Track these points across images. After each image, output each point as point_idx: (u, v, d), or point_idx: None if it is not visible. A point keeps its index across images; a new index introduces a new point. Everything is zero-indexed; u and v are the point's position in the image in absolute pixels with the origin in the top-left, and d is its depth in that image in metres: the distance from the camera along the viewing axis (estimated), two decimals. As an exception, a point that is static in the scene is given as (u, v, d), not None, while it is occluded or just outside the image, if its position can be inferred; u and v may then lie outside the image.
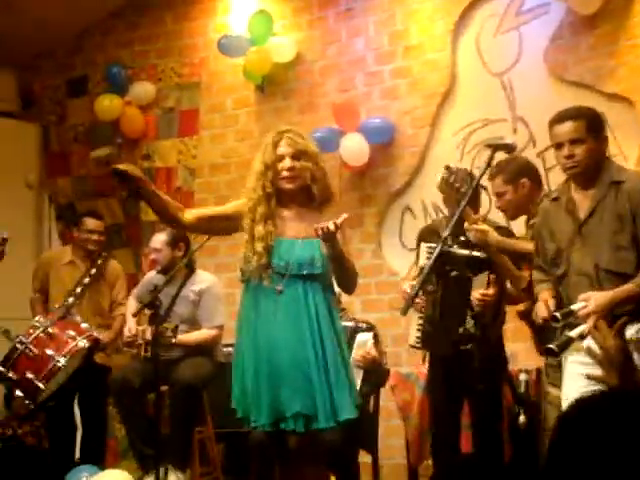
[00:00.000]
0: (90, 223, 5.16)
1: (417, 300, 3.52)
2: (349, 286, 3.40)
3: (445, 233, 3.08)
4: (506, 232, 3.94)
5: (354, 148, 5.56)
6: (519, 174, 3.77)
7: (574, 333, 2.94)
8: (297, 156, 3.35)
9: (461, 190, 3.29)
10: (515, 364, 4.39)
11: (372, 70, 5.79)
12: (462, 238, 3.90)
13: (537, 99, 5.16)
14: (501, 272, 3.69)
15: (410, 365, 4.88)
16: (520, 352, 4.63)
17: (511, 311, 4.06)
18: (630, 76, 4.83)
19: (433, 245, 3.62)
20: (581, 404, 0.88)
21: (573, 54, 5.07)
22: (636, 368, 2.16)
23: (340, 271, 3.28)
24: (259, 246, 3.29)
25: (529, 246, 3.47)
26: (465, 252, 3.47)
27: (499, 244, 3.63)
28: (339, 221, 3.09)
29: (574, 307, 2.97)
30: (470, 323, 3.10)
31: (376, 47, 5.79)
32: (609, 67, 4.92)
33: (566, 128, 3.12)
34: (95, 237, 5.14)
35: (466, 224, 3.57)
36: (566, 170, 3.18)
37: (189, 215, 3.43)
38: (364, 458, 4.54)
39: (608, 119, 4.90)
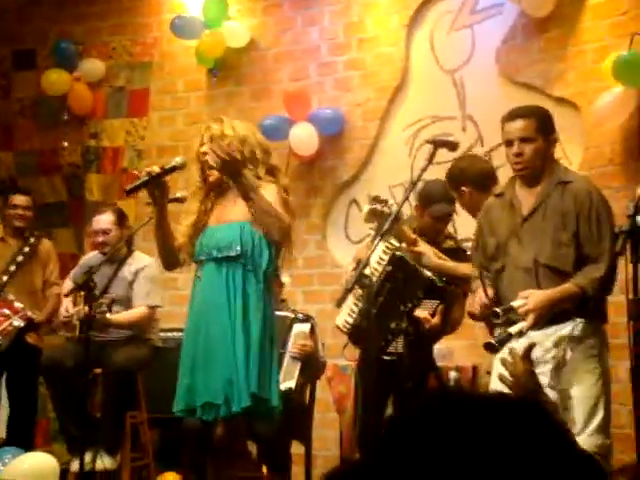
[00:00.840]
0: (14, 198, 5.06)
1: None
2: (268, 229, 3.17)
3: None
4: (454, 253, 3.93)
5: (303, 138, 5.54)
6: (459, 183, 3.76)
7: (513, 330, 2.99)
8: (211, 140, 3.32)
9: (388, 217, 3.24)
10: (451, 361, 4.43)
11: (326, 60, 5.77)
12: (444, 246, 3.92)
13: (487, 98, 5.19)
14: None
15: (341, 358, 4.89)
16: (456, 349, 4.67)
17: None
18: (577, 81, 4.90)
19: (395, 244, 3.61)
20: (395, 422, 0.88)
21: (524, 56, 5.11)
22: (539, 387, 2.22)
23: (253, 209, 3.15)
24: (180, 238, 3.30)
25: (469, 270, 3.48)
26: (428, 274, 3.49)
27: (436, 268, 3.64)
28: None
29: (514, 304, 3.01)
30: (404, 321, 3.11)
31: (331, 37, 5.76)
32: (557, 71, 4.98)
33: (517, 126, 3.15)
34: (20, 212, 5.03)
35: (403, 244, 3.58)
36: (514, 168, 3.21)
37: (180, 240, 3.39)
38: (297, 449, 4.54)
39: (555, 123, 4.97)
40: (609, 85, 4.62)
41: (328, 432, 5.10)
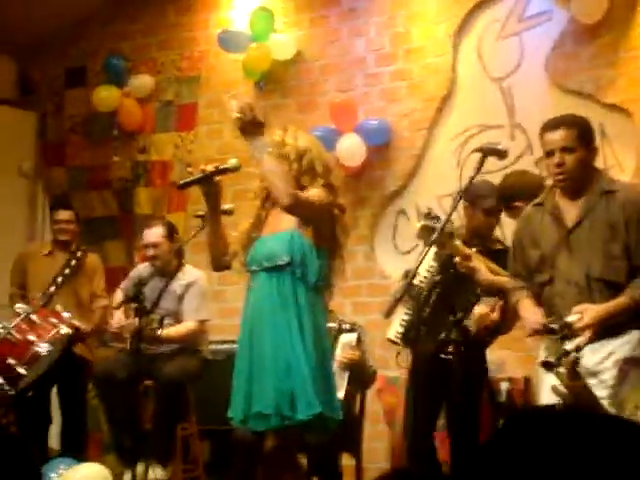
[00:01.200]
0: (57, 214, 5.15)
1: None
2: (277, 193, 3.14)
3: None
4: (504, 255, 3.89)
5: (350, 149, 5.53)
6: (511, 199, 3.70)
7: (570, 346, 2.91)
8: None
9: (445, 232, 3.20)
10: (502, 372, 4.36)
11: (372, 71, 5.76)
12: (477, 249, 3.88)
13: (536, 106, 5.12)
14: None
15: (397, 369, 4.84)
16: (508, 360, 4.60)
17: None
18: (629, 87, 4.81)
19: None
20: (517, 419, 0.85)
21: (574, 63, 5.04)
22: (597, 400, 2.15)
23: (261, 169, 3.24)
24: (234, 246, 3.33)
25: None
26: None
27: (487, 282, 3.58)
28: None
29: (569, 319, 2.94)
30: (454, 331, 3.07)
31: (377, 48, 5.76)
32: (609, 77, 4.90)
33: (558, 136, 3.08)
34: (63, 226, 5.10)
35: (457, 259, 3.53)
36: (555, 179, 3.15)
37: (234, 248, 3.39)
38: (347, 461, 4.51)
39: (606, 130, 4.90)
40: (662, 90, 4.54)
41: (378, 444, 5.06)
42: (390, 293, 4.36)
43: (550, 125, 3.14)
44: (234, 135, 6.21)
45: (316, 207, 3.16)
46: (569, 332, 2.91)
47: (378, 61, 5.75)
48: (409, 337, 3.70)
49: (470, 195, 3.87)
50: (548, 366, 2.91)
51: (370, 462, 4.97)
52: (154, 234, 4.72)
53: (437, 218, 3.32)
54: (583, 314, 2.92)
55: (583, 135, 3.09)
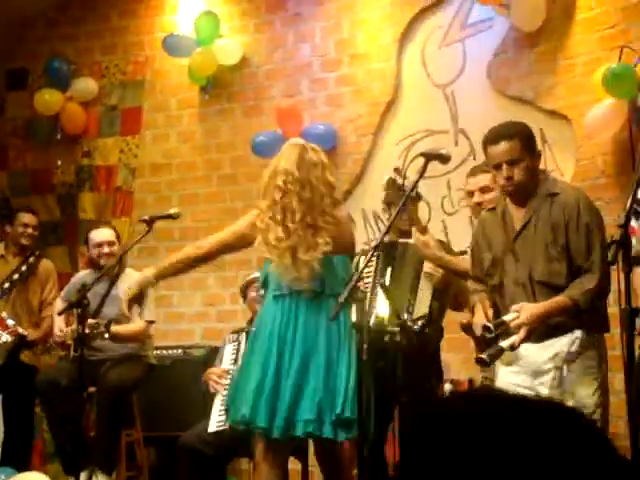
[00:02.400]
0: (24, 217, 5.07)
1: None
2: None
3: (378, 237, 3.06)
4: (446, 247, 3.95)
5: (296, 154, 5.54)
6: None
7: (505, 344, 2.97)
8: None
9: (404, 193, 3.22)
10: (447, 374, 4.41)
11: (317, 77, 5.80)
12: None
13: (479, 112, 5.21)
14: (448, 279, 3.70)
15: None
16: (453, 363, 4.66)
17: (447, 322, 4.08)
18: (567, 94, 4.92)
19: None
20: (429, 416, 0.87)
21: (515, 69, 5.14)
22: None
23: None
24: None
25: (469, 266, 3.47)
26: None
27: (438, 261, 3.60)
28: None
29: (506, 318, 3.00)
30: (399, 334, 3.09)
31: (322, 54, 5.79)
32: (548, 84, 5.00)
33: (502, 149, 3.09)
34: (30, 231, 5.04)
35: (414, 229, 3.55)
36: (504, 190, 3.18)
37: (205, 247, 3.57)
38: (294, 465, 4.51)
39: (546, 135, 5.00)
40: (600, 97, 4.65)
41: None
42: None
43: (492, 138, 3.13)
44: (179, 140, 6.21)
45: None
46: (504, 330, 2.97)
47: (323, 66, 5.79)
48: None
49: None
50: (482, 363, 2.97)
51: (316, 465, 4.98)
52: (108, 233, 4.72)
53: (404, 176, 3.32)
54: (520, 312, 2.98)
55: (526, 144, 3.12)
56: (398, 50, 5.53)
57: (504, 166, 3.09)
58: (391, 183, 3.38)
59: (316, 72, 5.80)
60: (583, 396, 3.03)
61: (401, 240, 3.76)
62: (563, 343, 3.04)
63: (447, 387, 4.13)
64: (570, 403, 3.00)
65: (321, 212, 3.33)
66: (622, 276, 2.36)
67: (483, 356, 2.96)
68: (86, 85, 6.38)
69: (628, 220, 2.32)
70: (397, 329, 3.10)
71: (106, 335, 4.09)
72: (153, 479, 4.85)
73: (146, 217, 3.90)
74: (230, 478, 4.91)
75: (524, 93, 5.10)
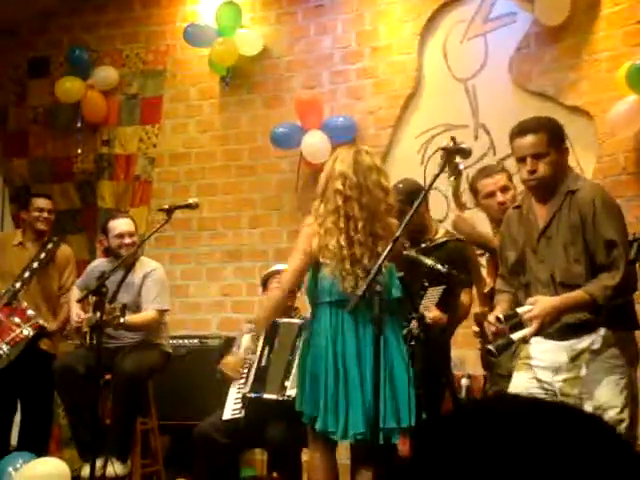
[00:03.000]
0: (39, 202, 5.09)
1: None
2: None
3: (398, 232, 3.04)
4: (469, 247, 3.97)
5: (315, 145, 5.54)
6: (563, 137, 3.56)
7: (516, 336, 2.95)
8: None
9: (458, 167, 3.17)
10: (463, 370, 4.41)
11: (338, 69, 5.78)
12: (423, 245, 3.91)
13: (500, 107, 5.18)
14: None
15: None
16: (468, 358, 4.64)
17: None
18: (590, 90, 4.88)
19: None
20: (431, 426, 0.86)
21: (537, 65, 5.10)
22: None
23: None
24: None
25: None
26: (429, 262, 3.46)
27: (473, 237, 3.72)
28: None
29: (520, 310, 2.97)
30: (414, 325, 3.08)
31: (343, 46, 5.78)
32: (571, 80, 4.96)
33: (528, 142, 3.06)
34: (45, 215, 5.05)
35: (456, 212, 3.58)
36: (527, 185, 3.15)
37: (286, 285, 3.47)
38: (308, 457, 4.51)
39: (568, 132, 4.94)
40: (623, 94, 4.60)
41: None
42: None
43: (519, 130, 3.10)
44: (199, 130, 6.21)
45: None
46: (517, 322, 2.94)
47: (344, 58, 5.77)
48: None
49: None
50: (490, 353, 2.95)
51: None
52: (129, 223, 4.73)
53: (454, 151, 3.19)
54: (534, 305, 2.95)
55: (553, 138, 3.08)
56: (420, 43, 5.51)
57: (528, 159, 3.05)
58: (446, 153, 3.18)
59: (337, 64, 5.79)
60: (606, 396, 2.97)
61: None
62: (585, 341, 3.01)
63: (464, 382, 4.12)
64: (590, 403, 2.97)
65: (379, 219, 3.31)
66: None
67: (491, 347, 2.94)
68: (107, 74, 6.40)
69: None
70: (415, 322, 3.09)
71: (122, 320, 4.10)
72: (168, 467, 4.87)
73: (165, 206, 3.92)
74: (244, 469, 4.93)
75: (546, 89, 5.06)
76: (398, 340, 3.31)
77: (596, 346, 3.00)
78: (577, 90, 4.96)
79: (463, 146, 3.04)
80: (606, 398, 2.97)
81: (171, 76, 6.31)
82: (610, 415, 2.93)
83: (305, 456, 4.45)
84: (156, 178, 6.29)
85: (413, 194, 3.79)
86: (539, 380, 3.09)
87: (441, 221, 5.22)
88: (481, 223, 4.09)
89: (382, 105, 5.60)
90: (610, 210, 3.04)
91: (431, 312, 3.58)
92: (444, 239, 4.03)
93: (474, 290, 4.01)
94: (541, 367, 3.09)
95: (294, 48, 5.93)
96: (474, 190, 3.89)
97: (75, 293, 4.74)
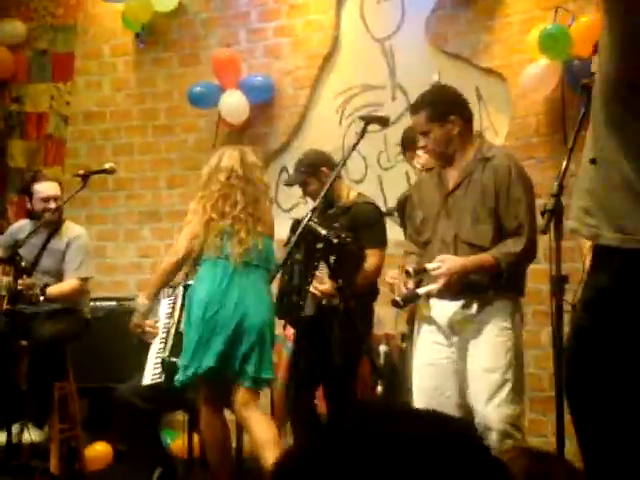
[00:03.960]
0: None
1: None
2: None
3: (314, 204, 3.08)
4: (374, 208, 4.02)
5: (234, 105, 5.49)
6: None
7: (421, 290, 3.06)
8: None
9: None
10: (380, 329, 4.50)
11: (256, 26, 5.71)
12: (329, 212, 3.94)
13: (417, 68, 5.22)
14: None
15: (279, 327, 4.92)
16: (387, 317, 4.74)
17: (380, 279, 4.13)
18: (504, 52, 4.97)
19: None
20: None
21: (453, 26, 5.15)
22: None
23: None
24: None
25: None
26: (323, 232, 3.47)
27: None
28: None
29: (429, 266, 3.07)
30: (336, 297, 3.14)
31: (260, 3, 5.70)
32: (485, 42, 5.04)
33: (414, 122, 3.28)
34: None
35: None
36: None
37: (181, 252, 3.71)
38: (229, 416, 4.56)
39: (482, 93, 5.06)
40: (535, 57, 4.71)
41: (260, 400, 5.13)
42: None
43: (410, 110, 3.32)
44: (113, 88, 6.07)
45: None
46: (424, 277, 3.05)
47: (262, 16, 5.70)
48: (283, 306, 3.76)
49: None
50: (396, 305, 3.06)
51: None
52: (54, 187, 4.59)
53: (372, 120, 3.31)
54: (443, 263, 3.05)
55: (434, 114, 3.18)
56: (337, 2, 5.49)
57: (420, 137, 3.27)
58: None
59: (254, 22, 5.72)
60: (492, 358, 3.10)
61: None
62: (474, 303, 3.12)
63: (382, 349, 4.21)
64: (477, 364, 3.10)
65: (261, 207, 3.72)
66: (554, 244, 2.43)
67: (397, 298, 3.05)
68: (14, 27, 6.16)
69: (561, 189, 2.38)
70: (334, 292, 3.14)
71: (41, 298, 4.02)
72: (86, 431, 4.85)
73: (81, 172, 3.84)
74: (165, 430, 4.95)
75: (461, 50, 5.13)
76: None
77: (483, 309, 3.11)
78: (491, 52, 5.04)
79: (381, 114, 3.11)
80: (492, 360, 3.09)
81: (83, 32, 6.12)
82: (495, 376, 3.06)
83: (227, 415, 4.51)
84: (70, 137, 6.13)
85: (313, 165, 4.01)
86: (436, 342, 3.20)
87: (359, 182, 5.29)
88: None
89: (300, 65, 5.58)
90: (525, 181, 3.17)
91: (323, 284, 3.64)
92: (350, 204, 4.06)
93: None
94: (439, 331, 3.20)
95: (210, 5, 5.83)
96: (403, 146, 3.98)
97: None
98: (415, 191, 3.42)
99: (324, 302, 3.29)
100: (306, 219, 3.10)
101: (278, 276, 3.65)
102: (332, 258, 3.45)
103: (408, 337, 3.79)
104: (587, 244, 2.86)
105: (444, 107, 3.23)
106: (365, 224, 3.84)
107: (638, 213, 1.21)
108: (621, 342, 1.23)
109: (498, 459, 0.84)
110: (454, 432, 0.83)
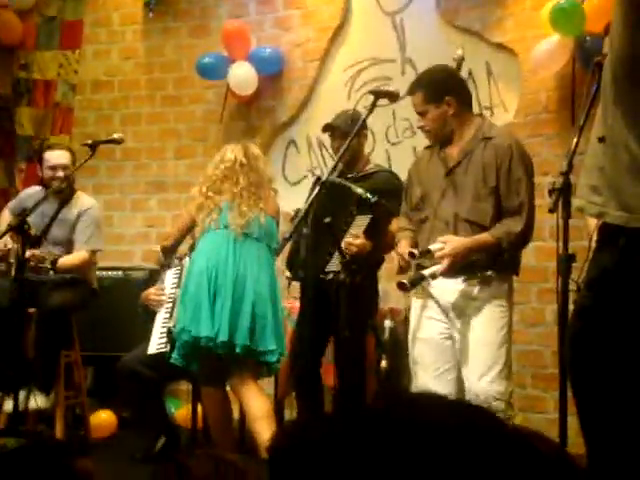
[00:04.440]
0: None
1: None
2: None
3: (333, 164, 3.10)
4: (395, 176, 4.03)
5: (242, 77, 5.47)
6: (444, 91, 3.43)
7: (427, 272, 3.07)
8: None
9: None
10: (385, 303, 4.51)
11: (265, -2, 5.67)
12: (349, 176, 3.95)
13: (427, 42, 5.19)
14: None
15: (284, 299, 4.93)
16: (390, 291, 4.75)
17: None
18: (516, 27, 4.92)
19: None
20: (291, 433, 0.86)
21: (464, 0, 5.11)
22: None
23: None
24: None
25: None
26: (360, 190, 3.52)
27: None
28: None
29: (432, 247, 3.09)
30: (342, 271, 3.15)
31: (271, -26, 5.66)
32: (497, 16, 4.99)
33: (412, 102, 3.28)
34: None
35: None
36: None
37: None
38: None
39: (492, 68, 5.03)
40: (546, 33, 4.66)
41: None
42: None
43: (408, 91, 3.32)
44: (122, 57, 6.04)
45: None
46: (428, 258, 3.06)
47: (272, -13, 5.66)
48: (296, 272, 3.78)
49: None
50: (402, 287, 3.06)
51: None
52: (63, 156, 4.56)
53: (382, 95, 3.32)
54: (446, 243, 3.06)
55: (430, 95, 3.21)
56: (348, -26, 5.44)
57: (419, 117, 3.29)
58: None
59: (264, -8, 5.68)
60: (488, 333, 3.13)
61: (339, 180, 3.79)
62: (473, 280, 3.15)
63: (387, 323, 4.23)
64: (477, 337, 3.13)
65: (263, 191, 3.82)
66: (561, 223, 2.43)
67: (404, 281, 3.06)
68: (23, -7, 6.13)
69: (570, 167, 2.37)
70: (340, 267, 3.15)
71: (51, 272, 4.03)
72: (92, 398, 4.89)
73: (89, 141, 3.83)
74: (170, 399, 4.99)
75: (472, 24, 5.08)
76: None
77: (483, 288, 3.14)
78: (502, 27, 4.99)
79: (391, 89, 3.09)
80: (489, 337, 3.12)
81: (92, -1, 6.09)
82: (490, 353, 3.10)
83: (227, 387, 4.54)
84: (78, 106, 6.12)
85: (348, 127, 3.86)
86: (431, 317, 3.22)
87: (368, 154, 5.27)
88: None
89: (310, 37, 5.54)
90: (526, 160, 3.18)
91: (358, 239, 3.65)
92: (374, 170, 4.08)
93: None
94: (431, 302, 3.22)
95: (221, -26, 5.78)
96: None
97: (5, 216, 4.62)
98: (414, 168, 3.43)
99: (330, 276, 3.29)
100: (332, 176, 3.12)
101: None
102: (368, 217, 3.49)
103: None
104: (593, 223, 2.89)
105: (440, 88, 3.25)
106: (386, 191, 3.83)
107: None
108: (623, 321, 1.23)
109: (530, 449, 0.82)
110: (481, 424, 0.82)
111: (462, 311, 3.16)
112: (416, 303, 3.28)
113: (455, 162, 3.22)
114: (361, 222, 3.73)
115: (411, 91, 3.27)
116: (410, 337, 3.30)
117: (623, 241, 1.23)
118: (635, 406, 1.27)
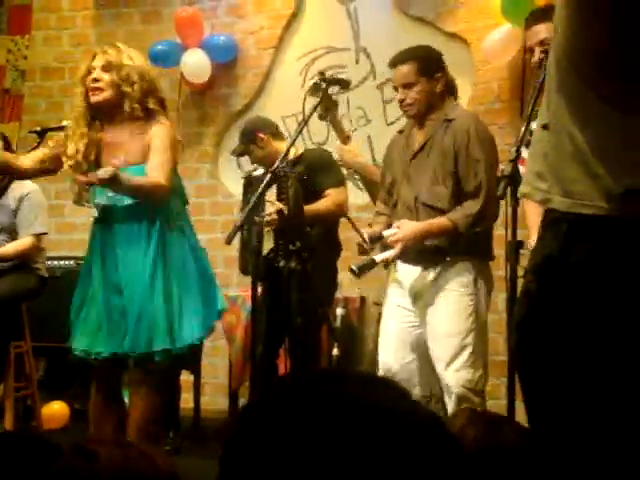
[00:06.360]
0: None
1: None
2: (150, 200, 3.18)
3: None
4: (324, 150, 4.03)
5: (196, 64, 5.42)
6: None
7: (378, 257, 3.06)
8: (106, 68, 3.18)
9: (332, 98, 3.24)
10: (339, 292, 4.52)
11: (219, -16, 5.62)
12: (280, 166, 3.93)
13: (381, 31, 5.20)
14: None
15: (239, 288, 4.92)
16: (344, 280, 4.76)
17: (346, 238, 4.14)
18: (468, 17, 4.96)
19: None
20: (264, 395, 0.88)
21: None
22: None
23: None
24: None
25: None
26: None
27: (359, 168, 3.68)
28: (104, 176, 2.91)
29: (385, 232, 3.08)
30: (293, 260, 3.13)
31: (224, -40, 5.61)
32: (449, 6, 5.03)
33: (399, 72, 3.19)
34: None
35: (338, 142, 3.58)
36: (403, 111, 3.27)
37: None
38: (186, 377, 4.58)
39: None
40: (498, 23, 4.71)
41: (217, 360, 5.16)
42: (233, 212, 4.34)
43: (393, 62, 3.22)
44: (72, 43, 5.94)
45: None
46: (380, 243, 3.06)
47: (225, -27, 5.61)
48: (247, 265, 3.76)
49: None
50: (352, 272, 3.06)
51: (208, 377, 5.08)
52: None
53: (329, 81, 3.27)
54: (399, 228, 3.06)
55: (424, 67, 3.17)
56: (302, -39, 5.42)
57: (400, 89, 3.19)
58: (315, 88, 3.28)
59: (218, -21, 5.62)
60: (452, 322, 3.10)
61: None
62: (437, 268, 3.13)
63: (339, 311, 4.23)
64: (441, 328, 3.11)
65: None
66: (509, 210, 2.46)
67: (353, 267, 3.05)
68: (-32, -23, 5.99)
69: (518, 155, 2.39)
70: (292, 255, 3.14)
71: None
72: (43, 390, 4.82)
73: (37, 128, 3.76)
74: (125, 389, 4.94)
75: (425, 14, 5.11)
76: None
77: (442, 274, 3.12)
78: (455, 16, 5.03)
79: (342, 76, 3.08)
80: (451, 324, 3.10)
81: (40, -17, 5.98)
82: (454, 341, 3.08)
83: (184, 376, 4.52)
84: (28, 93, 6.01)
85: (249, 133, 4.03)
86: (401, 306, 3.22)
87: (322, 144, 5.26)
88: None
89: (264, 25, 5.51)
90: (484, 140, 3.15)
91: (273, 205, 3.56)
92: (300, 154, 4.02)
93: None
94: (406, 295, 3.22)
95: (172, -40, 5.71)
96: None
97: None
98: (387, 153, 3.42)
99: (281, 264, 3.27)
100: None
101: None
102: (273, 187, 3.44)
103: None
104: (532, 210, 2.91)
105: (434, 63, 3.24)
106: (321, 166, 3.85)
107: (588, 180, 1.23)
108: (568, 306, 1.25)
109: (449, 434, 0.84)
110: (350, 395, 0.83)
111: (425, 299, 3.15)
112: (391, 290, 3.27)
113: (419, 146, 3.20)
114: (269, 195, 3.66)
115: (402, 60, 3.18)
116: (381, 325, 3.29)
117: (565, 226, 1.25)
118: (580, 391, 1.29)
